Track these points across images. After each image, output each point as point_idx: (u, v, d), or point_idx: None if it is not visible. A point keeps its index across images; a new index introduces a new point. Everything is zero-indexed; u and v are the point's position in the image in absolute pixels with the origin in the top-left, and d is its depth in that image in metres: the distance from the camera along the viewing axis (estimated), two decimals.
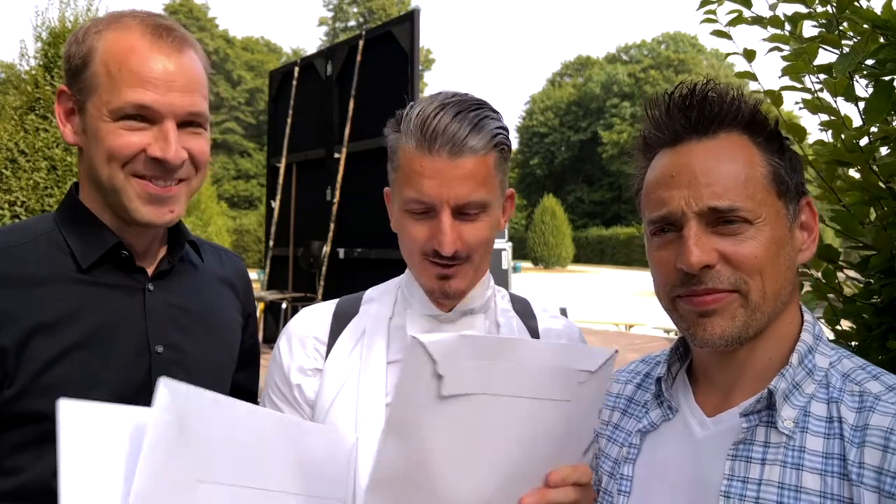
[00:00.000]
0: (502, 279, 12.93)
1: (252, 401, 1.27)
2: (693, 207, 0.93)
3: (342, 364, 1.20)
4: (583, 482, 0.98)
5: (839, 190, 1.52)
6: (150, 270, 1.23)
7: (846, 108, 1.48)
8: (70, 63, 1.16)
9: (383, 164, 1.22)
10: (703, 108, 0.96)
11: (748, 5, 1.60)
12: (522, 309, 1.30)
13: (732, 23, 1.65)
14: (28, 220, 1.22)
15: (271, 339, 8.70)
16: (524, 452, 0.96)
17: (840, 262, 1.55)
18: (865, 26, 1.37)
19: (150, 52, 1.13)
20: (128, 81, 1.11)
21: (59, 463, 0.80)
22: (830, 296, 1.56)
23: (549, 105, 60.24)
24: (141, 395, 1.12)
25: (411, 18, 6.82)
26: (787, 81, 1.56)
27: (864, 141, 1.46)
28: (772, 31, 1.60)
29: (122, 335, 1.16)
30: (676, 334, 1.27)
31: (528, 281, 25.41)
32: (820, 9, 1.51)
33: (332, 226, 7.58)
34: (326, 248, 7.64)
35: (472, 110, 1.10)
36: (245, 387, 1.41)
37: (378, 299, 1.27)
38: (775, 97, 1.52)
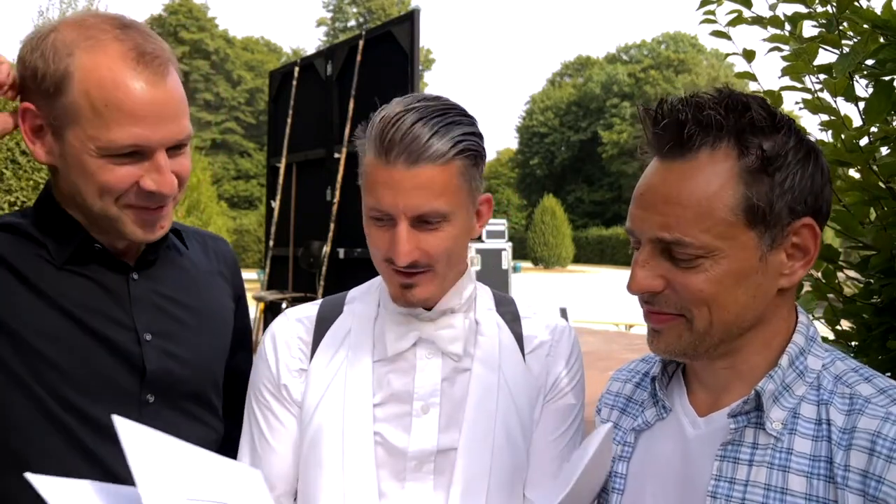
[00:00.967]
0: (502, 279, 12.93)
1: (247, 382, 1.27)
2: (646, 234, 0.93)
3: (327, 365, 1.20)
4: None
5: (839, 190, 1.52)
6: (131, 262, 1.22)
7: (846, 108, 1.48)
8: (38, 83, 1.07)
9: None
10: (676, 130, 0.91)
11: (748, 5, 1.60)
12: (507, 311, 1.27)
13: (732, 23, 1.65)
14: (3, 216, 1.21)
15: None
16: None
17: (840, 262, 1.56)
18: (865, 26, 1.37)
19: (136, 83, 1.06)
20: (116, 119, 1.06)
21: None
22: (830, 296, 1.56)
23: (549, 105, 60.10)
24: (133, 386, 1.15)
25: (411, 18, 6.80)
26: (787, 81, 1.56)
27: (864, 141, 1.46)
28: (772, 31, 1.60)
29: (109, 321, 1.16)
30: None
31: (528, 281, 25.42)
32: (820, 9, 1.51)
33: (332, 226, 7.56)
34: (326, 248, 7.62)
35: (435, 116, 1.07)
36: (240, 368, 1.39)
37: (361, 299, 1.27)
38: (775, 97, 1.53)
